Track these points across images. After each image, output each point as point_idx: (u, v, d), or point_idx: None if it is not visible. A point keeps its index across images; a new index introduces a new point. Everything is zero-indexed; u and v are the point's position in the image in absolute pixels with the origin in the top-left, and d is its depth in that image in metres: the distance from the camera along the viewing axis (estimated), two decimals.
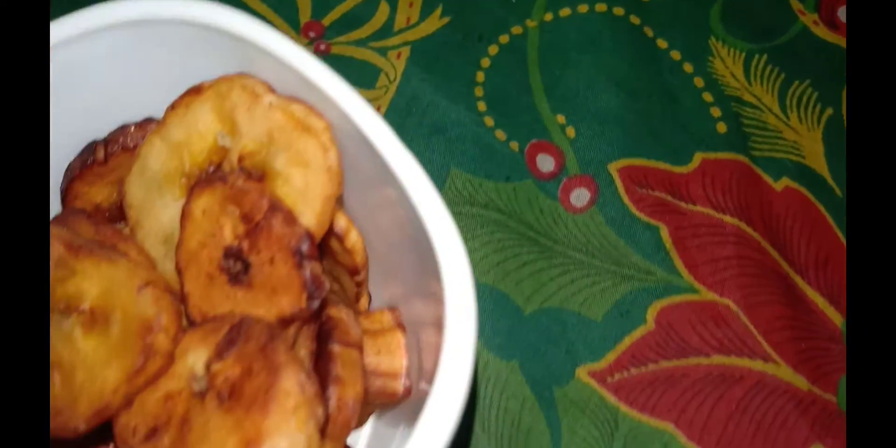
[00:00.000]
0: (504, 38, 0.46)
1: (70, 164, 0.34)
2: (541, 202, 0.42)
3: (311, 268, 0.28)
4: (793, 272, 0.41)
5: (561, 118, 0.44)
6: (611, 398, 0.38)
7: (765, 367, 0.38)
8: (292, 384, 0.25)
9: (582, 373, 0.39)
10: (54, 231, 0.28)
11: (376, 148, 0.27)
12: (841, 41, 0.46)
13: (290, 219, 0.29)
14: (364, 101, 0.28)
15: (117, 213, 0.35)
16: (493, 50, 0.46)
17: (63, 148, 0.34)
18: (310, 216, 0.29)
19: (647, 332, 0.40)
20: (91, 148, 0.33)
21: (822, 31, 0.46)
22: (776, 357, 0.39)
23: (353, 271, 0.34)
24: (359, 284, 0.35)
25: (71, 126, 0.33)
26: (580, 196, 0.43)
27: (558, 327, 0.40)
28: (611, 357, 0.39)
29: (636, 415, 0.38)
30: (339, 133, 0.29)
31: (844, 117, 0.45)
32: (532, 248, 0.41)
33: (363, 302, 0.36)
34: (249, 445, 0.24)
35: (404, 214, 0.28)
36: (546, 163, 0.43)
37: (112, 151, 0.33)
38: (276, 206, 0.29)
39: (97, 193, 0.34)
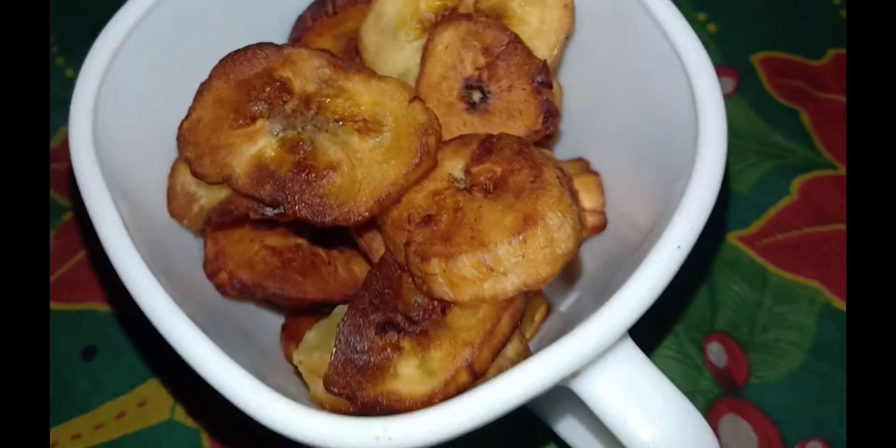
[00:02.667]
0: None
1: (300, 16, 0.37)
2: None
3: (546, 94, 0.32)
4: None
5: (702, 15, 0.48)
6: (759, 259, 0.42)
7: None
8: (554, 177, 0.29)
9: (732, 238, 0.43)
10: (323, 55, 0.31)
11: None
12: None
13: (528, 51, 0.32)
14: None
15: None
16: None
17: (294, 6, 0.37)
18: (544, 50, 0.33)
19: (791, 202, 0.43)
20: (322, 1, 0.37)
21: None
22: None
23: (546, 141, 0.37)
24: (549, 136, 0.38)
25: None
26: (724, 84, 0.46)
27: None
28: (758, 224, 0.43)
29: (783, 273, 0.42)
30: None
31: None
32: None
33: None
34: (527, 221, 0.28)
35: (648, 60, 0.32)
36: None
37: (340, 4, 0.36)
38: (516, 39, 0.32)
39: (323, 44, 0.37)
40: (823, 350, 0.40)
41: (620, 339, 0.27)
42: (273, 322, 0.36)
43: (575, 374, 0.26)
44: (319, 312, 0.36)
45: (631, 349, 0.27)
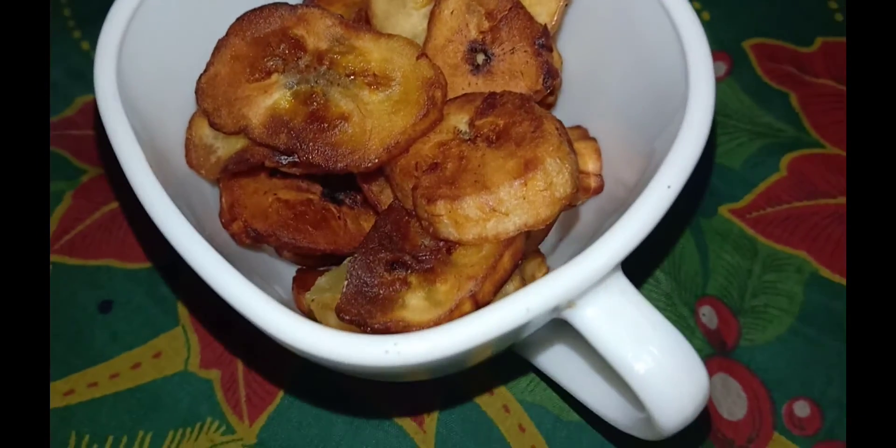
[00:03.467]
0: None
1: None
2: None
3: (546, 56, 0.34)
4: None
5: (697, 4, 0.50)
6: (749, 230, 0.44)
7: None
8: (553, 128, 0.31)
9: (724, 210, 0.44)
10: (335, 15, 0.33)
11: None
12: None
13: (530, 15, 0.34)
14: None
15: None
16: None
17: None
18: (545, 16, 0.35)
19: (780, 178, 0.45)
20: None
21: None
22: None
23: (548, 101, 0.39)
24: (549, 105, 0.40)
25: None
26: (717, 68, 0.48)
27: (702, 172, 0.45)
28: (749, 198, 0.45)
29: (772, 244, 0.43)
30: None
31: None
32: None
33: None
34: (528, 166, 0.29)
35: (642, 28, 0.33)
36: None
37: None
38: (518, 5, 0.34)
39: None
40: (810, 316, 0.42)
41: (613, 272, 0.28)
42: (285, 274, 0.37)
43: (570, 304, 0.28)
44: (329, 266, 0.38)
45: (624, 283, 0.29)
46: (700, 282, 0.42)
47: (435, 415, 0.39)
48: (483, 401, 0.40)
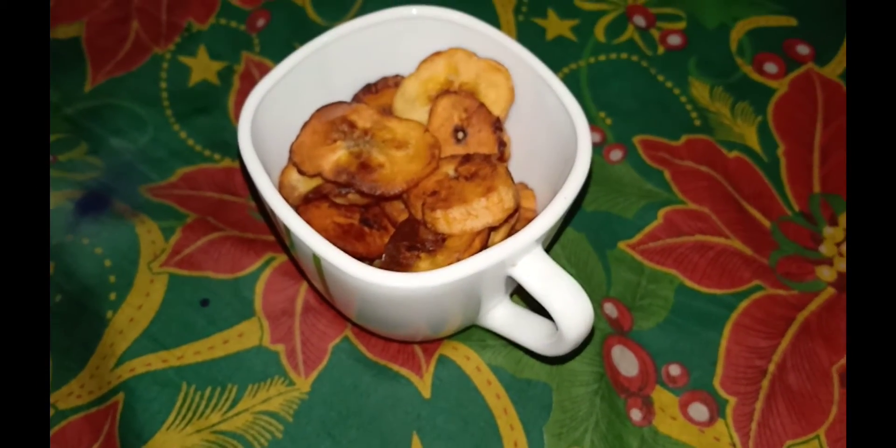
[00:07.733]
0: (566, 70, 0.76)
1: (355, 94, 0.62)
2: (593, 159, 0.70)
3: (500, 134, 0.56)
4: (741, 198, 0.69)
5: (602, 114, 0.74)
6: (638, 257, 0.65)
7: (726, 242, 0.66)
8: (504, 171, 0.52)
9: (622, 245, 0.66)
10: (374, 108, 0.55)
11: (545, 79, 0.56)
12: (766, 81, 0.77)
13: (489, 111, 0.57)
14: (534, 56, 0.57)
15: None
16: (559, 76, 0.76)
17: (353, 87, 0.62)
18: (498, 111, 0.58)
19: (658, 225, 0.67)
20: (368, 87, 0.62)
21: (755, 76, 0.77)
22: (733, 237, 0.66)
23: (503, 160, 0.62)
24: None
25: (359, 77, 0.62)
26: (615, 154, 0.71)
27: (606, 220, 0.67)
28: (638, 237, 0.66)
29: (654, 266, 0.65)
30: (514, 74, 0.58)
31: (769, 123, 0.74)
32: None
33: None
34: (489, 190, 0.51)
35: (555, 119, 0.56)
36: (594, 137, 0.72)
37: (379, 88, 0.61)
38: (482, 105, 0.57)
39: None
40: (678, 311, 0.62)
41: (535, 247, 0.49)
42: None
43: (513, 264, 0.48)
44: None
45: (544, 254, 0.49)
46: (605, 288, 0.63)
47: (431, 371, 0.58)
48: (462, 363, 0.59)
